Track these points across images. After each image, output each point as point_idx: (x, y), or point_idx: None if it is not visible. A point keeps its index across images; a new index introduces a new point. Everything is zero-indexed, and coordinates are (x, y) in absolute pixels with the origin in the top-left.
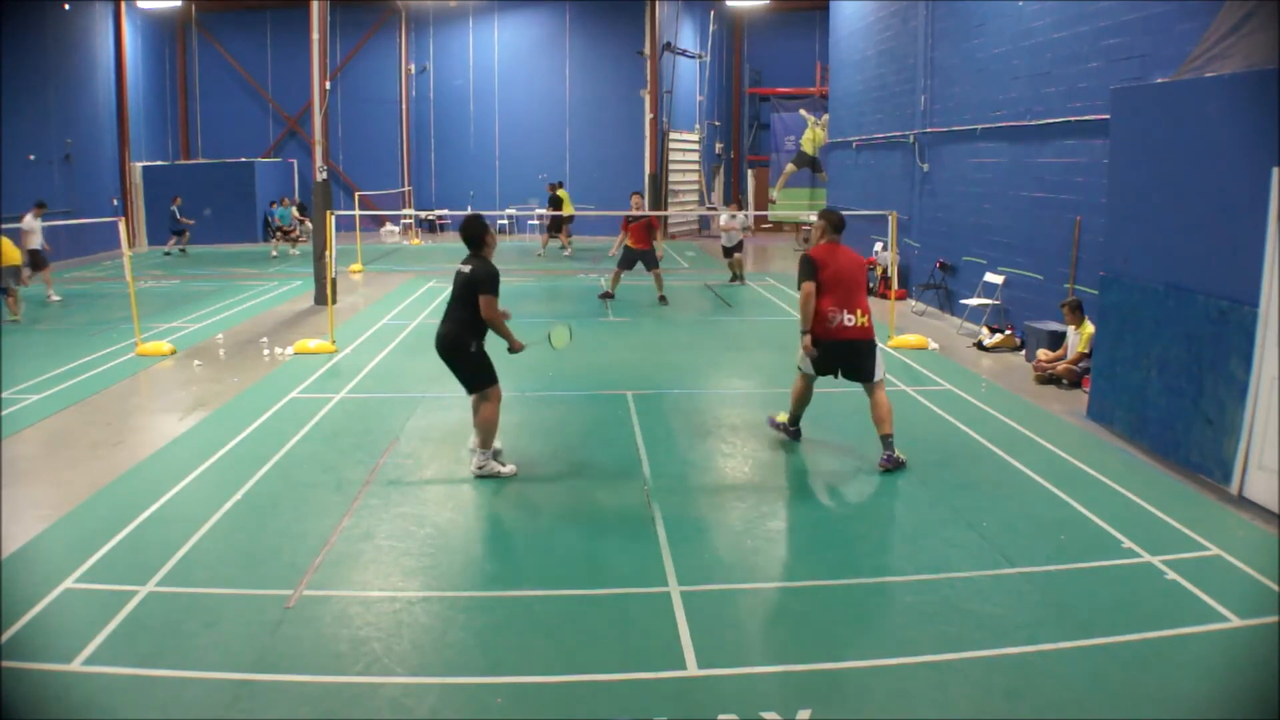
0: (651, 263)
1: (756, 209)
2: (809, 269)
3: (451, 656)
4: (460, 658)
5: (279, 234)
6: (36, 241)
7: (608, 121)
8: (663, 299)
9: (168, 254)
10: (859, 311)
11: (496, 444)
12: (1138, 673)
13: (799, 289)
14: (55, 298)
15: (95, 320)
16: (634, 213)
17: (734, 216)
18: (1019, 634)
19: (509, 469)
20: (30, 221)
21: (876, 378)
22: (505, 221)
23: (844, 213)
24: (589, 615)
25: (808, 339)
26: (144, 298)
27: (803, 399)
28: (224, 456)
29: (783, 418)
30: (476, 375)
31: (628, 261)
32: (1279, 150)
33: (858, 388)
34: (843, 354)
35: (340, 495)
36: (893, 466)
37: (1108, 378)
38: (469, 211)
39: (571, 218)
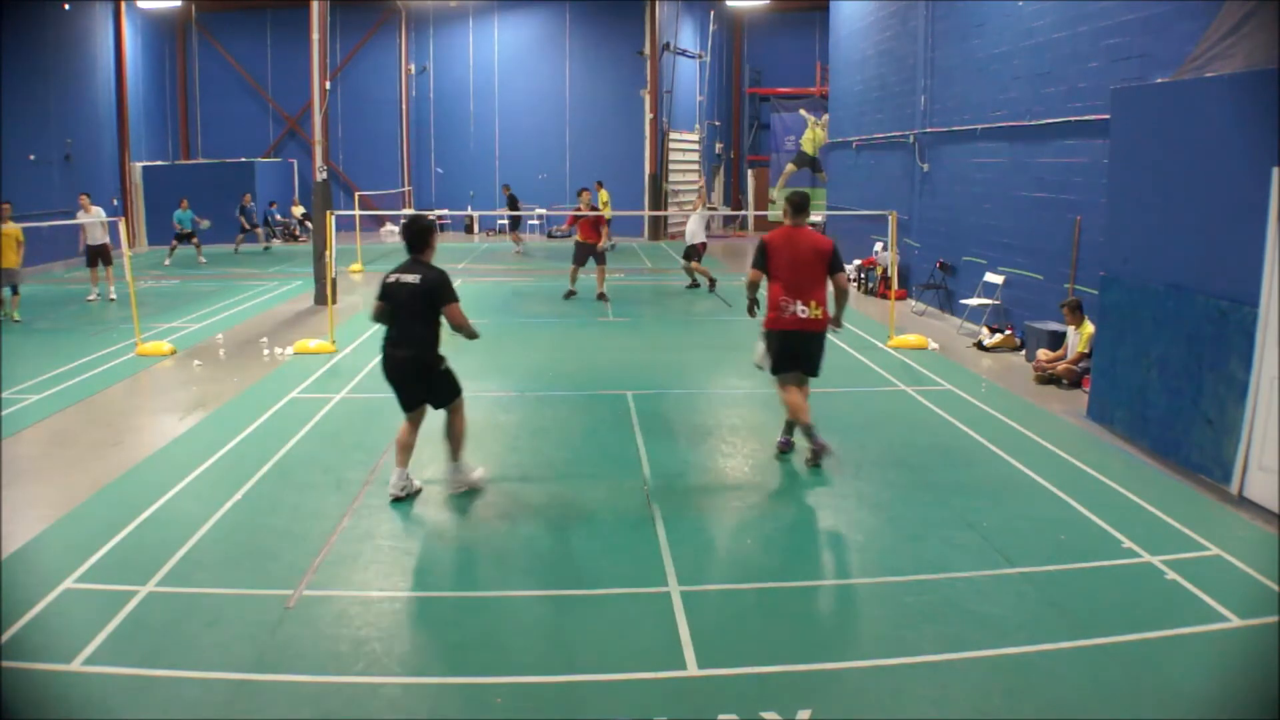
0: (600, 259)
1: (756, 209)
2: (759, 255)
3: (451, 656)
4: (460, 658)
5: (175, 240)
6: (94, 235)
7: (608, 121)
8: (601, 296)
9: (267, 248)
10: (813, 303)
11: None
12: (1138, 673)
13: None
14: (112, 297)
15: (95, 320)
16: (583, 211)
17: (696, 212)
18: (1019, 634)
19: (479, 472)
20: (82, 215)
21: (819, 374)
22: (505, 221)
23: (843, 213)
24: (589, 615)
25: (751, 309)
26: (144, 298)
27: (797, 404)
28: (224, 456)
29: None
30: (450, 387)
31: (580, 257)
32: (1279, 150)
33: (854, 389)
34: (794, 344)
35: (340, 495)
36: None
37: (1108, 378)
38: (423, 214)
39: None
